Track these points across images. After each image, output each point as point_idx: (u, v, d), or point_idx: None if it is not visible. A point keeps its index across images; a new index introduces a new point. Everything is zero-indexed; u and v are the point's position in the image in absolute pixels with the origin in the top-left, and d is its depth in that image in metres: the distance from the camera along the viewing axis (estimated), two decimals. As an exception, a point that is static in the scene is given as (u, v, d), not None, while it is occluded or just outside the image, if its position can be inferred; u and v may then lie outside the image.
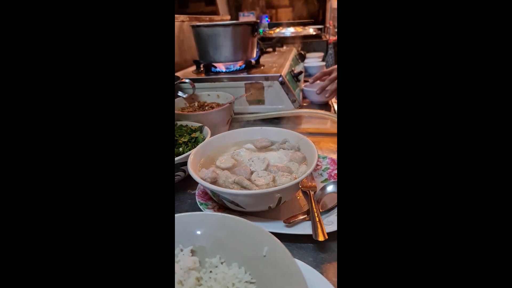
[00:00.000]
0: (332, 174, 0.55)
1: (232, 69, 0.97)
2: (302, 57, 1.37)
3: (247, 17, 2.33)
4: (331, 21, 2.74)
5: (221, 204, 0.46)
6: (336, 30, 2.37)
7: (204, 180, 0.45)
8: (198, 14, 1.63)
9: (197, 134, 0.63)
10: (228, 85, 0.90)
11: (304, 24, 2.10)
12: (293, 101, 0.88)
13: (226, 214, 0.34)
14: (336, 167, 0.56)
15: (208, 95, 0.86)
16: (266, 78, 0.87)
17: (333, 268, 0.38)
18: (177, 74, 1.00)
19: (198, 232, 0.34)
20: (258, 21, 2.02)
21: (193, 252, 0.33)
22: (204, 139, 0.60)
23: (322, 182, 0.54)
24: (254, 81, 0.88)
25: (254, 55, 1.03)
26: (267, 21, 2.35)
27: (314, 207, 0.44)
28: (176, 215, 0.33)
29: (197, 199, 0.49)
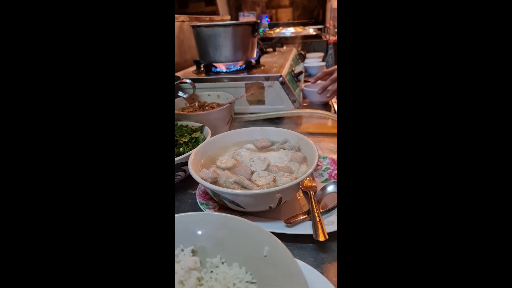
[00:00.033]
0: (333, 174, 0.55)
1: (232, 69, 0.97)
2: (302, 57, 1.37)
3: (247, 17, 2.33)
4: (331, 21, 2.73)
5: (222, 204, 0.47)
6: (336, 30, 2.37)
7: (205, 180, 0.45)
8: (198, 14, 1.63)
9: (197, 134, 0.63)
10: (228, 85, 0.90)
11: (304, 24, 2.10)
12: (294, 101, 0.88)
13: (226, 214, 0.34)
14: (336, 167, 0.56)
15: (209, 95, 0.86)
16: (267, 78, 0.87)
17: (333, 268, 0.38)
18: (177, 74, 1.00)
19: (199, 232, 0.34)
20: (258, 21, 2.02)
21: (194, 252, 0.33)
22: (204, 139, 0.60)
23: (322, 182, 0.54)
24: (254, 81, 0.88)
25: (255, 55, 1.03)
26: (267, 21, 2.35)
27: (314, 207, 0.44)
28: (176, 215, 0.33)
29: (198, 199, 0.49)
